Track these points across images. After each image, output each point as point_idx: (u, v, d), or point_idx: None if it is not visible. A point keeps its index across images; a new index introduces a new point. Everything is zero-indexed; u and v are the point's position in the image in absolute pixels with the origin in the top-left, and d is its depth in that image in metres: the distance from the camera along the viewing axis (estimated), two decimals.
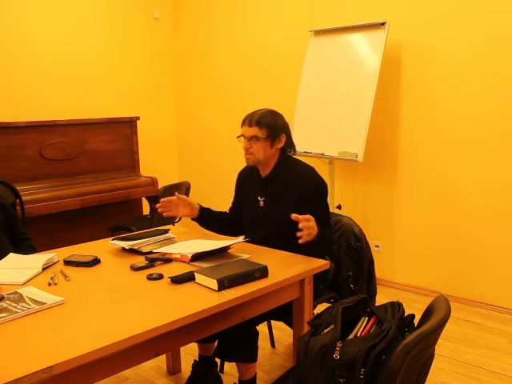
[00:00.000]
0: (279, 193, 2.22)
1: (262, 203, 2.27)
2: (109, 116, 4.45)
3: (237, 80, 4.66)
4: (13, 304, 1.57)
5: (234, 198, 2.48)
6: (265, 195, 2.27)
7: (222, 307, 1.61)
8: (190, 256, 1.99)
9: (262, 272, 1.80)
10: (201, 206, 2.38)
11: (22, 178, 3.68)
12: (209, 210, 2.42)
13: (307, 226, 1.93)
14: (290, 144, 2.27)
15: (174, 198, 2.31)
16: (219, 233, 2.44)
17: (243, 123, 2.22)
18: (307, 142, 3.64)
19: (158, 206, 2.32)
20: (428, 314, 1.40)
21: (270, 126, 2.17)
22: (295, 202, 2.16)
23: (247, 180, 2.40)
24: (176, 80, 5.20)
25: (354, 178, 3.92)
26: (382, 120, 3.67)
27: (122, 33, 4.70)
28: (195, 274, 1.77)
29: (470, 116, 3.30)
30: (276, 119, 2.21)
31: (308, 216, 1.96)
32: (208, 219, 2.41)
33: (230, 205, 2.49)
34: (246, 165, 2.38)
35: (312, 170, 2.25)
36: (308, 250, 2.06)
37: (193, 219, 2.39)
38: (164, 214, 2.32)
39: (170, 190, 3.65)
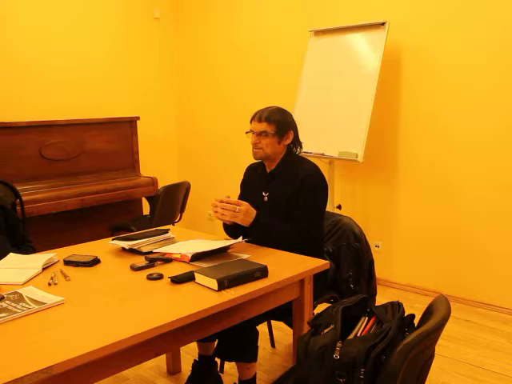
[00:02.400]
0: (282, 188, 2.26)
1: (266, 198, 2.31)
2: (109, 116, 4.46)
3: (236, 80, 4.66)
4: (13, 304, 1.56)
5: (240, 196, 2.48)
6: (269, 190, 2.31)
7: (222, 307, 1.61)
8: (189, 256, 1.98)
9: (262, 272, 1.80)
10: None
11: (22, 178, 3.68)
12: None
13: (223, 205, 2.13)
14: (296, 141, 2.33)
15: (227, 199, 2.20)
16: (236, 236, 2.33)
17: (253, 119, 2.28)
18: (307, 142, 3.61)
19: (218, 207, 2.17)
20: (428, 314, 1.40)
21: (279, 122, 2.24)
22: (295, 196, 2.20)
23: (252, 176, 2.45)
24: (176, 80, 5.20)
25: (354, 178, 3.92)
26: (382, 120, 3.67)
27: (122, 33, 4.70)
28: (195, 273, 1.77)
29: (469, 116, 3.30)
30: (285, 116, 2.28)
31: (240, 202, 2.13)
32: (236, 225, 2.29)
33: None
34: (251, 162, 2.42)
35: (315, 168, 2.27)
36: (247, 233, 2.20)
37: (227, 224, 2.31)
38: (221, 217, 2.18)
39: (170, 190, 3.66)
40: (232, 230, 2.37)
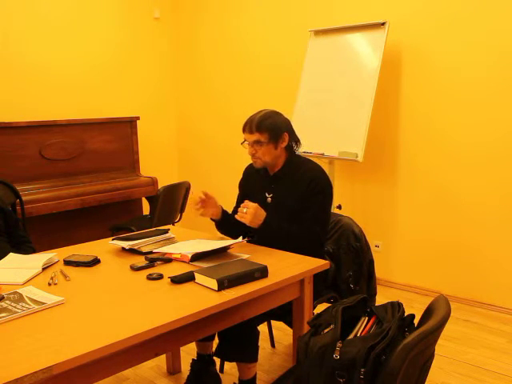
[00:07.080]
0: (287, 190, 2.24)
1: (269, 200, 2.29)
2: (109, 116, 4.45)
3: (236, 80, 4.66)
4: (13, 304, 1.56)
5: (239, 196, 2.47)
6: (273, 192, 2.29)
7: (222, 307, 1.61)
8: (189, 256, 1.98)
9: (262, 272, 1.80)
10: (222, 207, 2.33)
11: (21, 178, 3.68)
12: (227, 212, 2.38)
13: (240, 209, 2.13)
14: (293, 139, 2.29)
15: (203, 196, 2.24)
16: (232, 236, 2.36)
17: (244, 129, 2.23)
18: (307, 142, 3.62)
19: (195, 205, 2.22)
20: (428, 314, 1.40)
21: (271, 128, 2.18)
22: (300, 198, 2.19)
23: (254, 177, 2.41)
24: (176, 80, 5.20)
25: (353, 178, 3.92)
26: (381, 120, 3.67)
27: (122, 33, 4.70)
28: (195, 273, 1.77)
29: (468, 116, 3.30)
30: (276, 120, 2.22)
31: (248, 204, 2.12)
32: (227, 221, 2.34)
33: (235, 204, 2.44)
34: (250, 162, 2.39)
35: (320, 169, 2.27)
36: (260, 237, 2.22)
37: (214, 220, 2.33)
38: (201, 213, 2.24)
39: (170, 190, 3.66)
40: (225, 229, 2.36)
